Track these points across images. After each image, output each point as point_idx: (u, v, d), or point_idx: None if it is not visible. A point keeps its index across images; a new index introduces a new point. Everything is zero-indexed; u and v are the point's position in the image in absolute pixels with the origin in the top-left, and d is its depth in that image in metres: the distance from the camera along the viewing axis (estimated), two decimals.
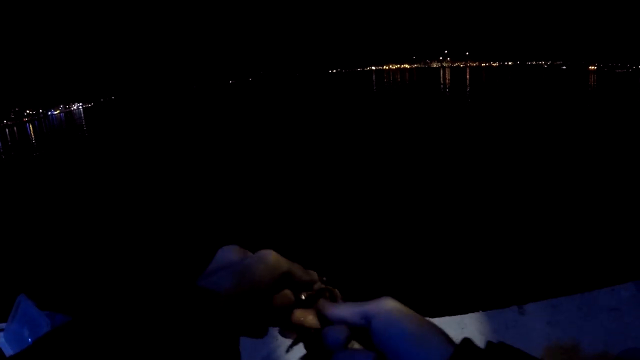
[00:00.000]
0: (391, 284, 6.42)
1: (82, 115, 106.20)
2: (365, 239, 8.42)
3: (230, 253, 0.58)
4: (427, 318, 0.53)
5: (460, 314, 1.15)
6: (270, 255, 0.56)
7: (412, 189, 11.71)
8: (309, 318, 0.58)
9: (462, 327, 1.13)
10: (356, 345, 0.55)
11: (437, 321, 1.14)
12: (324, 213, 10.30)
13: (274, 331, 0.59)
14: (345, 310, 0.56)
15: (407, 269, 7.00)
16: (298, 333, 0.59)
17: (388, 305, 0.54)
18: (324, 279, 0.61)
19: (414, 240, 8.18)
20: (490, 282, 6.26)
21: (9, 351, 0.83)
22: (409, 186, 12.04)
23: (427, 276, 6.68)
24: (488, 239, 7.96)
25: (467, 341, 0.48)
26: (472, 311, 1.16)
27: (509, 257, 7.11)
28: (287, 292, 0.58)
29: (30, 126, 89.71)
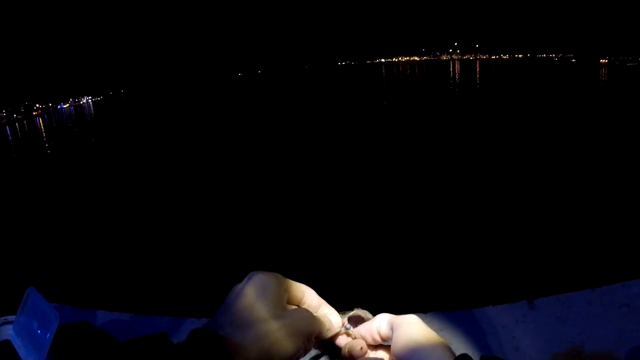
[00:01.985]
0: (402, 278, 6.43)
1: (92, 108, 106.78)
2: (376, 233, 8.42)
3: (265, 294, 0.58)
4: (436, 312, 0.57)
5: (470, 308, 1.15)
6: (308, 320, 0.60)
7: (423, 183, 11.68)
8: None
9: (471, 321, 1.12)
10: (371, 355, 0.64)
11: (447, 315, 1.13)
12: (338, 203, 10.31)
13: None
14: (379, 319, 0.65)
15: (418, 262, 7.00)
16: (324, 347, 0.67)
17: (410, 320, 0.62)
18: (347, 323, 0.67)
19: (425, 234, 8.17)
20: (501, 276, 6.24)
21: (18, 343, 0.84)
22: (420, 180, 12.02)
23: (437, 270, 6.68)
24: (498, 234, 7.94)
25: (464, 356, 0.55)
26: (482, 305, 1.15)
27: (520, 251, 7.08)
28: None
29: (40, 120, 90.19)
